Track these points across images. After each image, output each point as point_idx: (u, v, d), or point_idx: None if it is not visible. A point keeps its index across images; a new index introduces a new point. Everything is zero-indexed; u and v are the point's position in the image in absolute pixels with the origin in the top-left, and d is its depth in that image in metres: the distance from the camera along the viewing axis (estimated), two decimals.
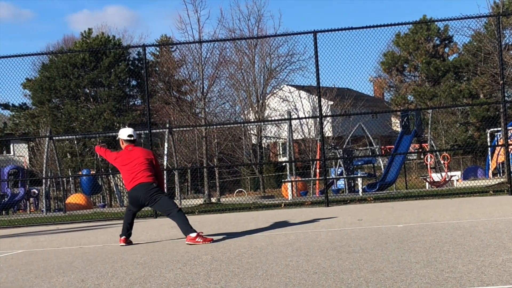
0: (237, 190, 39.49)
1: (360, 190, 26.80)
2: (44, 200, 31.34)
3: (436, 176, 30.77)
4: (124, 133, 11.38)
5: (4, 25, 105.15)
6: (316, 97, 40.15)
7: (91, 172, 36.62)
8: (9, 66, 24.49)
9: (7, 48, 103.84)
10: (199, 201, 27.39)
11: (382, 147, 37.93)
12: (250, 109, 46.20)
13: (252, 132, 46.20)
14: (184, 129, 36.81)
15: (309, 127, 43.73)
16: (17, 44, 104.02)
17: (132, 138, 11.32)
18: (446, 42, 52.80)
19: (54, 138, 33.94)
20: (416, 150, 34.27)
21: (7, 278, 7.41)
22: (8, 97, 67.57)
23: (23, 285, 6.77)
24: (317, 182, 32.66)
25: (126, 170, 10.94)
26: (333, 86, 41.14)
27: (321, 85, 19.02)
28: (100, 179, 37.78)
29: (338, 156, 32.39)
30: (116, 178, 39.50)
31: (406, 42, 51.61)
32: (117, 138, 11.57)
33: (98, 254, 9.40)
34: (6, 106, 55.75)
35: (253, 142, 46.21)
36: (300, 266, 6.77)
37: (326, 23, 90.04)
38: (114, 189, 38.47)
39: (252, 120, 44.87)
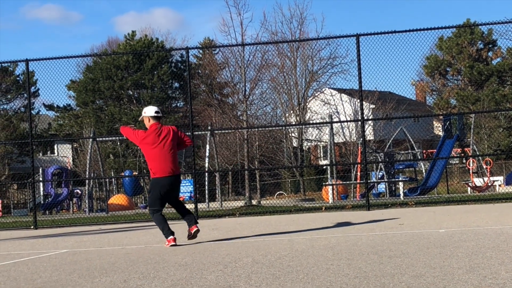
0: (277, 193, 39.50)
1: (402, 194, 26.63)
2: (87, 201, 31.69)
3: (478, 181, 30.43)
4: (151, 109, 10.75)
5: (52, 26, 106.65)
6: (358, 100, 40.05)
7: (134, 173, 36.93)
8: (54, 68, 24.86)
9: (53, 50, 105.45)
10: (240, 203, 27.47)
11: (424, 151, 37.61)
12: (292, 112, 46.16)
13: (293, 134, 46.14)
14: (226, 131, 36.91)
15: (350, 130, 43.57)
16: (63, 46, 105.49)
17: (159, 115, 10.72)
18: (490, 46, 52.17)
19: (97, 139, 34.31)
20: (458, 155, 33.92)
21: (51, 278, 7.50)
22: (53, 98, 68.53)
23: (66, 285, 6.84)
24: (357, 185, 32.51)
25: (156, 153, 10.45)
26: (375, 90, 40.96)
27: (363, 89, 18.93)
28: (142, 180, 38.05)
29: (379, 159, 32.20)
30: None
31: (449, 46, 51.10)
32: (140, 118, 10.94)
33: (140, 255, 9.47)
34: (51, 107, 56.52)
35: (294, 145, 46.14)
36: (341, 270, 6.73)
37: (369, 27, 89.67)
38: None
39: (293, 123, 44.82)
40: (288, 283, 6.09)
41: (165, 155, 10.41)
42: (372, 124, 43.32)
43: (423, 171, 33.87)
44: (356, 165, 33.52)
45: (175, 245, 10.48)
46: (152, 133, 10.46)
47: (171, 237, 10.60)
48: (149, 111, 10.64)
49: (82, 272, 7.83)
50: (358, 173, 32.72)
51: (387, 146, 37.13)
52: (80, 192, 35.62)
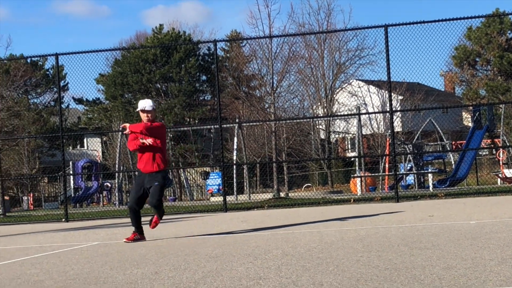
0: (305, 185, 39.46)
1: (431, 186, 26.48)
2: (116, 194, 31.90)
3: (508, 172, 30.14)
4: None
5: (81, 21, 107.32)
6: (386, 91, 39.83)
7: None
8: (83, 62, 25.04)
9: (83, 44, 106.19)
10: (268, 195, 27.49)
11: (453, 142, 37.36)
12: (319, 104, 46.02)
13: (320, 127, 46.02)
14: (254, 124, 36.92)
15: (378, 122, 43.36)
16: (93, 40, 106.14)
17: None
18: None
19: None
20: (488, 146, 33.62)
21: (83, 270, 7.57)
22: (83, 92, 68.99)
23: (98, 277, 6.90)
24: (386, 177, 32.37)
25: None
26: (403, 81, 40.67)
27: (391, 80, 18.83)
28: (170, 173, 38.21)
29: (408, 151, 32.02)
30: (186, 172, 39.93)
31: (478, 36, 50.59)
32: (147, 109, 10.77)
33: (171, 247, 9.52)
34: (80, 101, 56.92)
35: (321, 137, 46.02)
36: (371, 262, 6.71)
37: (397, 17, 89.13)
38: (184, 183, 38.88)
39: (321, 115, 44.70)
40: (318, 275, 6.09)
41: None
42: (400, 115, 43.06)
43: (452, 162, 33.64)
44: (384, 157, 33.37)
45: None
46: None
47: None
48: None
49: (114, 264, 7.89)
50: (387, 165, 32.57)
51: (416, 137, 36.89)
52: (110, 185, 35.86)
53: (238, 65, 47.95)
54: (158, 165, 10.66)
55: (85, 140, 57.27)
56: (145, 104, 10.66)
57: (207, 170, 39.61)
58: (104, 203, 35.96)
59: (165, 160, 10.78)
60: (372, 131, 43.48)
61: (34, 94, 58.27)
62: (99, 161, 44.48)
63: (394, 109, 20.15)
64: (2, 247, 11.53)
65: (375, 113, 41.51)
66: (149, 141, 10.59)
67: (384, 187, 32.43)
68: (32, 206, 40.16)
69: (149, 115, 10.63)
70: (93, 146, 53.08)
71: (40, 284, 6.64)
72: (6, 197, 30.63)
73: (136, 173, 10.94)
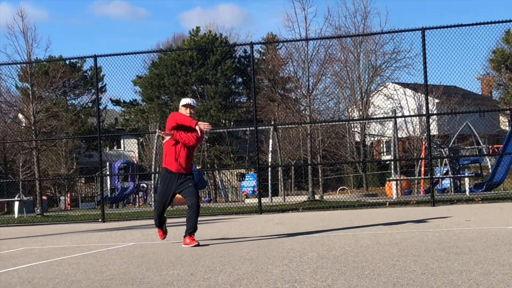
0: (340, 188, 39.32)
1: (467, 190, 26.21)
2: (152, 194, 32.07)
3: None
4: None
5: (120, 23, 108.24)
6: (422, 95, 39.51)
7: (197, 168, 37.21)
8: (121, 63, 25.21)
9: (120, 46, 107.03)
10: (303, 198, 27.42)
11: (490, 146, 36.91)
12: (354, 106, 45.83)
13: (356, 129, 45.82)
14: (289, 126, 36.87)
15: (414, 125, 43.04)
16: (130, 41, 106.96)
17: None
18: None
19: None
20: None
21: (119, 270, 7.61)
22: (120, 94, 69.42)
23: (134, 277, 6.93)
24: (421, 181, 32.10)
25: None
26: (439, 84, 40.33)
27: (428, 83, 18.68)
28: (206, 174, 38.31)
29: (444, 155, 31.74)
30: (221, 174, 40.01)
31: None
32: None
33: (206, 249, 9.53)
34: (117, 102, 57.36)
35: (356, 139, 45.81)
36: (407, 266, 6.65)
37: (434, 20, 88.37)
38: (220, 185, 38.95)
39: (356, 117, 44.49)
40: (354, 279, 6.04)
41: None
42: (436, 118, 42.71)
43: (489, 166, 33.26)
44: (420, 160, 33.10)
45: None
46: None
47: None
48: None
49: (150, 265, 7.92)
50: (422, 169, 32.31)
51: (452, 141, 36.55)
52: (145, 186, 36.05)
53: (274, 67, 47.96)
54: (192, 165, 10.41)
55: (122, 141, 57.67)
56: (190, 100, 10.33)
57: (242, 172, 39.67)
58: (140, 204, 36.17)
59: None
60: (408, 134, 43.17)
61: (72, 95, 58.89)
62: (135, 162, 44.75)
63: (430, 112, 19.94)
64: (40, 247, 11.65)
65: (411, 116, 41.18)
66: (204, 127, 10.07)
67: (420, 190, 32.18)
68: (69, 206, 40.55)
69: (193, 111, 10.26)
70: (130, 147, 53.42)
71: (77, 284, 6.68)
72: (44, 197, 30.97)
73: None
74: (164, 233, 10.75)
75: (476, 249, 7.80)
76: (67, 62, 51.12)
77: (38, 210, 27.71)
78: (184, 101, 10.31)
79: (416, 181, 33.06)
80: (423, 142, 33.38)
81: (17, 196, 27.09)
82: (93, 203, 40.11)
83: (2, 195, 36.03)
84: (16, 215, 25.44)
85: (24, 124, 33.08)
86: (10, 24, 33.37)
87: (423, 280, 5.78)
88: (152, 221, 18.48)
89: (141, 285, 6.37)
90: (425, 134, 22.73)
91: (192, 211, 10.18)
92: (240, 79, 56.03)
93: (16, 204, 26.00)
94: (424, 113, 19.23)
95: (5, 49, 56.27)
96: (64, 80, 36.92)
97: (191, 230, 10.13)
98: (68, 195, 42.55)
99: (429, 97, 19.76)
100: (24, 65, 30.41)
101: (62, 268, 8.10)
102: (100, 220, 20.15)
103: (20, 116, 34.92)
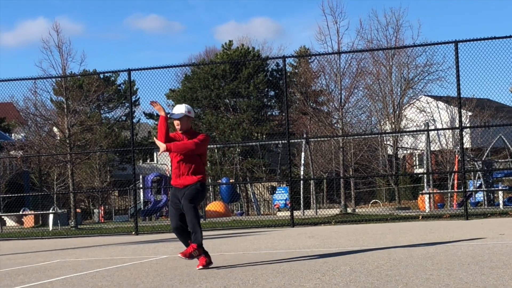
0: (372, 201, 39.11)
1: (501, 204, 25.93)
2: None
3: None
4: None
5: (154, 36, 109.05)
6: (455, 107, 39.19)
7: (230, 181, 37.27)
8: (154, 77, 25.41)
9: (153, 59, 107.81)
10: (335, 211, 27.32)
11: None
12: (387, 119, 45.61)
13: (388, 142, 45.58)
14: (321, 139, 36.80)
15: (446, 138, 42.70)
16: (164, 55, 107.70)
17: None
18: None
19: None
20: None
21: (152, 283, 7.64)
22: (153, 107, 69.91)
23: None
24: (454, 194, 31.82)
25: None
26: (472, 97, 40.00)
27: (461, 96, 18.55)
28: (238, 187, 38.34)
29: (477, 168, 31.44)
30: (253, 187, 40.02)
31: None
32: (185, 115, 9.15)
33: (239, 261, 9.53)
34: (150, 116, 57.72)
35: (389, 152, 45.56)
36: (441, 280, 6.60)
37: (466, 33, 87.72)
38: (252, 198, 38.96)
39: (388, 130, 44.28)
40: None
41: None
42: (469, 131, 42.34)
43: None
44: (453, 174, 32.82)
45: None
46: None
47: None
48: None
49: (183, 277, 7.94)
50: (455, 182, 32.03)
51: (486, 154, 36.19)
52: None
53: (306, 80, 47.94)
54: (199, 172, 9.11)
55: (155, 154, 57.98)
56: (176, 110, 9.20)
57: (274, 185, 39.64)
58: None
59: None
60: (441, 147, 42.84)
61: (106, 109, 59.40)
62: (168, 175, 44.95)
63: (463, 125, 19.80)
64: (74, 259, 11.73)
65: (444, 129, 40.88)
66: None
67: (453, 204, 31.89)
68: (102, 219, 40.82)
69: (180, 124, 9.13)
70: (163, 160, 53.59)
71: None
72: (78, 210, 31.23)
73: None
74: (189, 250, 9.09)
75: (510, 263, 7.71)
76: (101, 76, 51.63)
77: (73, 222, 27.93)
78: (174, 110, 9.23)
79: (449, 195, 32.78)
80: (456, 155, 33.11)
81: (51, 208, 27.34)
82: (127, 216, 40.31)
83: (37, 207, 36.40)
84: (50, 228, 25.67)
85: (58, 138, 33.43)
86: (46, 39, 33.59)
87: None
88: None
89: None
90: (458, 147, 22.57)
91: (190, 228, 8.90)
92: (272, 92, 56.08)
93: (51, 216, 26.24)
94: (457, 126, 19.08)
95: (41, 64, 56.97)
96: (98, 94, 37.28)
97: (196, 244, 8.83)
98: (102, 208, 42.84)
99: (462, 110, 19.60)
100: (59, 79, 30.76)
101: (96, 280, 8.15)
102: (133, 232, 20.24)
103: (55, 129, 35.29)
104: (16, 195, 28.80)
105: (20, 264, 11.21)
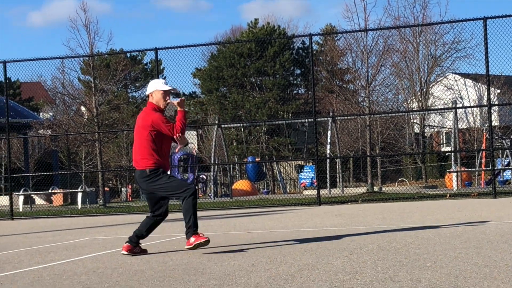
0: (399, 179, 38.96)
1: None
2: (212, 186, 32.26)
3: None
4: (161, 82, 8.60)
5: (181, 15, 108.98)
6: (482, 85, 38.82)
7: (256, 159, 37.28)
8: (181, 56, 25.44)
9: (179, 38, 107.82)
10: (361, 189, 27.27)
11: None
12: (413, 97, 45.30)
13: (415, 121, 45.30)
14: (348, 118, 36.66)
15: (474, 116, 42.35)
16: (190, 33, 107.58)
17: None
18: None
19: (222, 126, 34.87)
20: None
21: (181, 260, 7.70)
22: (179, 86, 69.80)
23: (196, 268, 7.00)
24: (482, 172, 31.59)
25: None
26: (501, 74, 39.57)
27: (489, 73, 18.36)
28: (264, 166, 38.36)
29: (506, 146, 31.17)
30: (279, 166, 40.03)
31: None
32: (149, 93, 8.48)
33: (266, 240, 9.56)
34: (177, 95, 57.75)
35: (416, 131, 45.30)
36: (470, 259, 6.57)
37: (494, 9, 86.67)
38: (278, 176, 38.99)
39: (415, 108, 43.99)
40: (416, 271, 6.00)
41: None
42: (498, 109, 41.93)
43: None
44: (480, 152, 32.57)
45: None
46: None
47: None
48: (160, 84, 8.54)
49: (211, 255, 7.99)
50: (483, 160, 31.79)
51: None
52: (205, 178, 36.27)
53: (332, 58, 47.68)
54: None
55: None
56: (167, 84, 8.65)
57: (300, 164, 39.63)
58: (200, 195, 36.40)
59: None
60: (468, 125, 42.50)
61: (133, 88, 59.59)
62: (195, 153, 45.06)
63: (492, 103, 19.62)
64: (103, 237, 11.85)
65: (472, 107, 40.48)
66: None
67: (481, 182, 31.67)
68: (130, 198, 41.07)
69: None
70: (189, 139, 53.75)
71: (140, 274, 6.78)
72: (106, 188, 31.43)
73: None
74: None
75: None
76: (128, 55, 51.77)
77: (101, 201, 28.16)
78: (163, 85, 8.53)
79: (476, 173, 32.55)
80: (484, 133, 32.84)
81: (80, 187, 27.57)
82: None
83: (65, 186, 36.72)
84: (79, 206, 25.91)
85: (86, 117, 33.64)
86: (73, 18, 33.83)
87: (486, 273, 5.71)
88: (211, 212, 18.64)
89: (203, 275, 6.44)
90: (486, 125, 22.38)
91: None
92: (298, 71, 55.88)
93: (80, 195, 26.47)
94: (485, 103, 18.92)
95: (68, 43, 57.33)
96: (125, 73, 37.41)
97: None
98: (130, 187, 43.08)
99: (490, 87, 19.41)
100: (87, 58, 30.91)
101: (126, 258, 8.23)
102: None
103: (83, 108, 35.52)
104: (45, 173, 29.05)
105: (50, 242, 11.34)
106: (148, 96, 8.52)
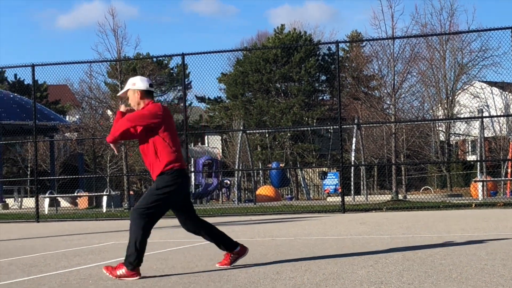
0: (423, 188, 38.76)
1: None
2: (236, 191, 32.28)
3: None
4: (144, 81, 7.66)
5: (208, 19, 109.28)
6: (509, 93, 38.50)
7: (280, 165, 37.27)
8: (207, 61, 25.50)
9: (205, 42, 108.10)
10: (386, 197, 27.14)
11: None
12: (439, 105, 45.06)
13: (440, 129, 45.06)
14: (373, 125, 36.53)
15: (500, 124, 42.03)
16: (216, 38, 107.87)
17: (153, 89, 7.74)
18: None
19: (247, 131, 34.91)
20: None
21: (206, 267, 7.72)
22: (205, 91, 69.98)
23: (221, 275, 7.03)
24: (508, 182, 31.33)
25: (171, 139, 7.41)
26: None
27: None
28: (288, 172, 38.32)
29: None
30: (303, 172, 39.99)
31: None
32: (122, 94, 7.87)
33: (290, 247, 9.56)
34: (202, 99, 57.99)
35: (441, 139, 45.05)
36: (496, 271, 6.54)
37: None
38: (302, 183, 38.95)
39: (441, 116, 43.76)
40: (441, 282, 5.98)
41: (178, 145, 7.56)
42: None
43: None
44: (507, 161, 32.30)
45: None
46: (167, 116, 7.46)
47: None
48: (143, 83, 7.61)
49: (236, 262, 8.00)
50: (509, 170, 31.52)
51: None
52: (229, 183, 36.31)
53: (358, 65, 47.56)
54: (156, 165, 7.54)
55: (206, 137, 58.29)
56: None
57: (324, 170, 39.52)
58: (223, 200, 36.42)
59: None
60: (494, 134, 42.18)
61: (159, 92, 59.83)
62: (219, 158, 45.14)
63: None
64: (128, 242, 11.89)
65: (498, 116, 40.19)
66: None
67: (506, 192, 31.40)
68: None
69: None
70: (214, 143, 53.91)
71: (166, 280, 6.82)
72: (131, 192, 31.58)
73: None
74: None
75: None
76: (154, 59, 52.03)
77: (126, 204, 28.31)
78: (147, 83, 7.63)
79: (502, 182, 32.28)
80: (510, 142, 32.58)
81: (105, 190, 27.72)
82: None
83: (90, 189, 36.94)
84: (104, 209, 26.04)
85: (112, 120, 33.81)
86: (102, 22, 34.04)
87: None
88: (235, 218, 18.65)
89: (228, 282, 6.46)
90: None
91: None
92: (323, 77, 55.80)
93: (105, 198, 26.62)
94: None
95: (96, 47, 57.72)
96: (152, 78, 37.57)
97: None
98: None
99: None
100: (114, 62, 31.10)
101: (151, 263, 8.27)
102: None
103: (109, 112, 35.72)
104: (70, 176, 29.25)
105: (75, 245, 11.43)
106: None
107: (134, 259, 7.00)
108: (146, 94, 7.54)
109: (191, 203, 7.72)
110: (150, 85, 7.63)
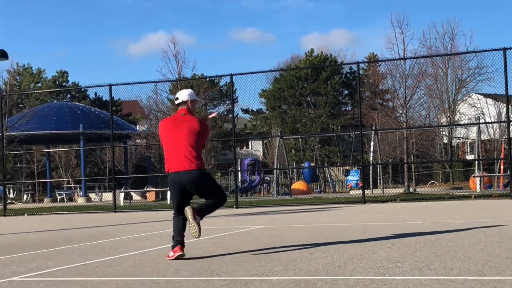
0: (430, 182, 38.30)
1: None
2: (274, 186, 32.27)
3: None
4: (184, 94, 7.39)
5: (251, 45, 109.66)
6: (501, 103, 37.90)
7: (311, 164, 37.13)
8: (250, 80, 25.52)
9: (249, 64, 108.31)
10: (399, 190, 26.90)
11: None
12: (443, 114, 44.58)
13: (444, 133, 44.57)
14: (388, 131, 36.25)
15: (494, 129, 41.35)
16: (258, 60, 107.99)
17: (178, 101, 7.40)
18: None
19: (283, 137, 34.84)
20: None
21: (253, 247, 7.72)
22: (248, 104, 69.97)
23: (266, 254, 7.02)
24: (501, 177, 30.81)
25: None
26: None
27: (508, 93, 17.95)
28: (317, 170, 38.17)
29: None
30: (330, 170, 39.80)
31: None
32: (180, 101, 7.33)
33: (321, 232, 9.52)
34: (246, 111, 58.08)
35: (444, 141, 44.55)
36: (493, 251, 6.43)
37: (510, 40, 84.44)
38: (329, 178, 38.77)
39: (444, 123, 43.27)
40: (448, 261, 5.90)
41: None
42: None
43: None
44: (500, 160, 31.77)
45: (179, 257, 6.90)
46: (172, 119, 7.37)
47: (177, 246, 6.97)
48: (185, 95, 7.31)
49: (277, 244, 8.00)
50: (502, 166, 30.99)
51: None
52: (269, 179, 36.28)
53: (374, 81, 47.23)
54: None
55: (250, 142, 58.36)
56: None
57: (347, 168, 39.28)
58: (264, 193, 36.40)
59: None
60: (489, 137, 41.51)
61: (211, 106, 60.05)
62: (260, 159, 45.16)
63: (510, 119, 19.14)
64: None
65: (492, 122, 39.54)
66: None
67: (499, 185, 30.88)
68: None
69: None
70: (256, 147, 53.96)
71: (220, 259, 6.84)
72: None
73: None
74: None
75: None
76: (207, 79, 52.27)
77: None
78: (192, 95, 7.39)
79: (496, 177, 31.73)
80: (503, 144, 32.04)
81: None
82: (228, 193, 40.73)
83: (157, 185, 37.20)
84: (168, 202, 26.15)
85: None
86: (165, 49, 34.28)
87: (508, 263, 5.58)
88: (275, 208, 18.64)
89: (271, 261, 6.45)
90: (504, 137, 21.82)
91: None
92: (346, 91, 55.54)
93: (169, 192, 26.72)
94: (504, 119, 18.47)
95: (161, 70, 58.19)
96: (205, 94, 37.74)
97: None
98: None
99: (508, 105, 18.99)
100: (175, 82, 31.29)
101: (206, 245, 8.30)
102: (234, 206, 20.45)
103: None
104: (141, 175, 29.47)
105: (146, 231, 11.52)
106: (182, 102, 7.34)
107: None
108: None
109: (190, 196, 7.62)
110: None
